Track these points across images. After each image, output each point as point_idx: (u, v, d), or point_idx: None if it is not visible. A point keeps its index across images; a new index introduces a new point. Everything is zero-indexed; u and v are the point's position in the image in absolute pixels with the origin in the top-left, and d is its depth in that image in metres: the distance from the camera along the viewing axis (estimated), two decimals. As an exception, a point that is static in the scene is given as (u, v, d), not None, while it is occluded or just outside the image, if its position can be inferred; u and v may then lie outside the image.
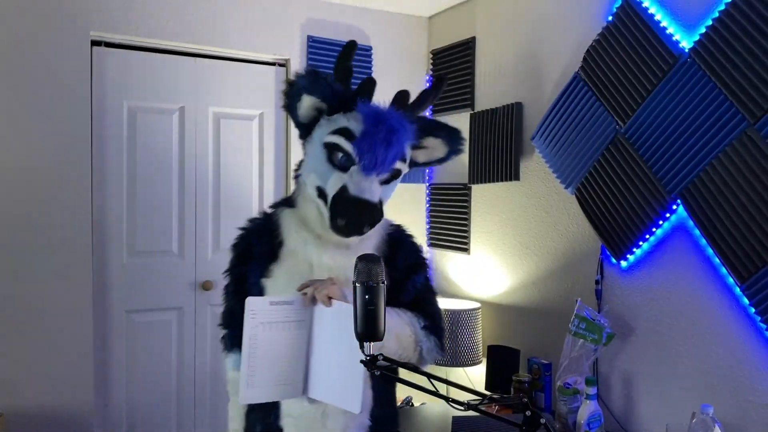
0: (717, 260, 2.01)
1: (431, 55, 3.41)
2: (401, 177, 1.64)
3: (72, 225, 2.65)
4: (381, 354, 1.23)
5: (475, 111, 3.08)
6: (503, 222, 2.92)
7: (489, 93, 3.02)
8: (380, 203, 1.57)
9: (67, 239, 2.64)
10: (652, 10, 2.20)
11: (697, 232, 2.07)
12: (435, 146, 1.68)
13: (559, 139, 2.53)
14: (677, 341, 2.14)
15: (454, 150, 1.68)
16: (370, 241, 1.65)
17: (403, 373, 1.46)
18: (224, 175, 3.04)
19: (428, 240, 3.45)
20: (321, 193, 1.58)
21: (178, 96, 2.93)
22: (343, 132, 1.56)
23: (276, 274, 1.61)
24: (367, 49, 3.28)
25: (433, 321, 1.70)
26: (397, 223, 1.78)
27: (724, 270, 1.99)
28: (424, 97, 1.75)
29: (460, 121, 3.21)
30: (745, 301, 1.93)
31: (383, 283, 1.23)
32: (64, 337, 2.63)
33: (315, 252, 1.60)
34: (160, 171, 2.91)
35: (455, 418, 2.23)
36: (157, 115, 2.90)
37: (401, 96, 1.70)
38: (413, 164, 1.70)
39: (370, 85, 1.66)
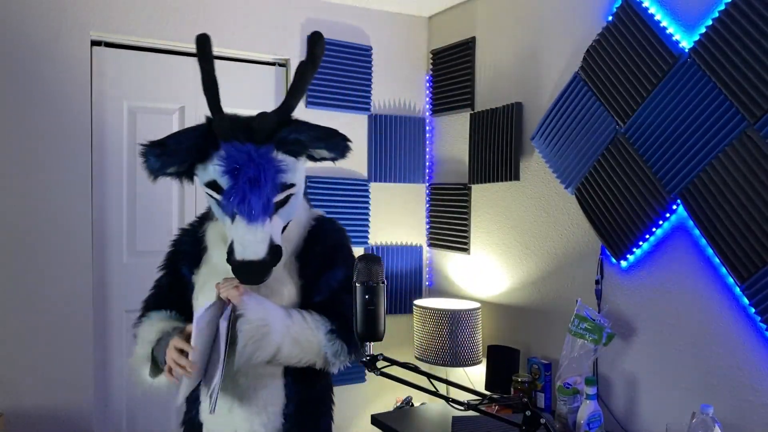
0: (717, 260, 2.01)
1: (431, 55, 3.41)
2: (297, 191, 1.65)
3: (72, 225, 2.65)
4: (381, 354, 1.23)
5: (475, 111, 3.08)
6: (503, 222, 2.92)
7: (489, 93, 3.02)
8: (271, 251, 1.56)
9: (67, 239, 2.64)
10: (652, 10, 2.20)
11: (697, 232, 2.07)
12: (321, 152, 1.66)
13: (559, 139, 2.53)
14: (677, 341, 2.15)
15: (337, 156, 1.65)
16: (288, 244, 1.70)
17: (403, 373, 1.46)
18: (224, 175, 3.04)
19: (428, 240, 3.46)
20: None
21: (178, 96, 2.93)
22: (212, 186, 1.60)
23: (201, 273, 1.75)
24: (367, 49, 3.28)
25: (341, 324, 1.63)
26: (320, 214, 1.82)
27: (724, 270, 1.99)
28: (301, 73, 1.67)
29: (460, 121, 3.22)
30: (745, 301, 1.93)
31: (383, 283, 1.23)
32: (64, 337, 2.63)
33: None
34: (160, 171, 2.90)
35: (455, 418, 2.23)
36: (157, 115, 2.90)
37: (261, 117, 1.62)
38: (314, 160, 1.70)
39: (221, 124, 1.61)
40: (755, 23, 1.87)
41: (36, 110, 2.58)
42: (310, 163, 1.73)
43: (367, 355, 1.22)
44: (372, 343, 1.25)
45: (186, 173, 1.65)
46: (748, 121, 1.90)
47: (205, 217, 1.85)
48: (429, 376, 1.25)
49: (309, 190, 3.06)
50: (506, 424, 1.23)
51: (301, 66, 1.65)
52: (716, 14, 1.98)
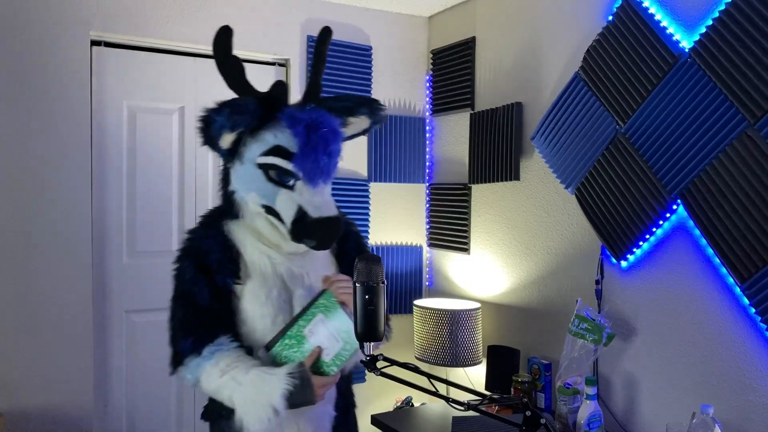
0: (717, 260, 2.01)
1: (431, 55, 3.41)
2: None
3: (72, 225, 2.65)
4: (381, 354, 1.23)
5: (475, 111, 3.08)
6: (503, 222, 2.92)
7: (489, 93, 3.02)
8: (339, 212, 1.60)
9: (67, 239, 2.64)
10: (652, 10, 2.20)
11: (697, 232, 2.07)
12: (358, 121, 1.71)
13: (559, 139, 2.53)
14: (677, 341, 2.14)
15: (377, 120, 1.71)
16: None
17: (403, 373, 1.46)
18: (224, 175, 3.04)
19: (428, 240, 3.45)
20: (270, 210, 1.58)
21: (178, 96, 2.93)
22: (277, 151, 1.55)
23: (246, 280, 1.60)
24: (367, 49, 3.28)
25: None
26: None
27: (724, 270, 1.99)
28: (318, 61, 1.77)
29: (460, 121, 3.21)
30: (745, 301, 1.93)
31: (383, 282, 1.23)
32: (63, 337, 2.63)
33: (280, 262, 1.62)
34: (160, 171, 2.90)
35: (455, 419, 2.23)
36: (157, 115, 2.90)
37: (313, 86, 1.71)
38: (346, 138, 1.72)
39: (282, 89, 1.64)
40: (755, 23, 1.87)
41: (36, 110, 2.58)
42: None
43: (368, 356, 1.22)
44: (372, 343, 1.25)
45: (235, 145, 1.60)
46: (748, 121, 1.90)
47: (217, 217, 1.69)
48: (429, 376, 1.24)
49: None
50: (506, 425, 1.22)
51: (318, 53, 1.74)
52: (716, 14, 1.98)
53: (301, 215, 1.52)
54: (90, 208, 2.70)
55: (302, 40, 3.14)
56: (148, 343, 2.88)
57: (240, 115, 1.51)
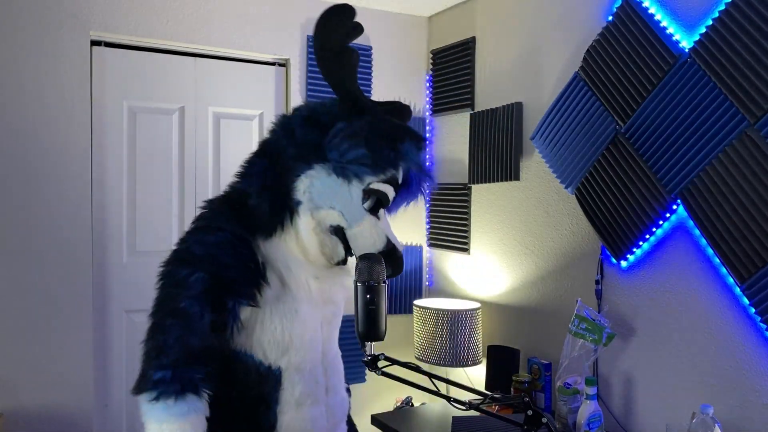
0: (717, 260, 2.01)
1: (431, 55, 3.41)
2: None
3: (72, 225, 2.65)
4: (382, 354, 1.23)
5: (475, 111, 3.08)
6: (503, 222, 2.92)
7: (489, 93, 3.02)
8: None
9: (67, 239, 2.64)
10: (652, 10, 2.20)
11: (697, 232, 2.07)
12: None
13: (559, 139, 2.53)
14: (677, 341, 2.15)
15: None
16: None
17: (404, 372, 1.46)
18: (224, 175, 3.03)
19: (428, 240, 3.45)
20: (337, 231, 1.47)
21: (178, 96, 2.93)
22: (392, 181, 1.49)
23: (269, 302, 1.42)
24: (367, 49, 3.28)
25: None
26: None
27: (724, 270, 1.99)
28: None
29: (460, 121, 3.21)
30: (745, 301, 1.93)
31: (384, 282, 1.23)
32: (64, 337, 2.63)
33: (317, 280, 1.49)
34: (160, 171, 2.90)
35: (455, 418, 2.23)
36: (157, 115, 2.90)
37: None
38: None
39: (408, 114, 1.62)
40: (755, 23, 1.87)
41: (36, 110, 2.58)
42: None
43: (368, 355, 1.22)
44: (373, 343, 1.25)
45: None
46: (748, 121, 1.90)
47: (233, 220, 1.46)
48: (431, 375, 1.24)
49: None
50: (507, 424, 1.23)
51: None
52: (716, 14, 1.98)
53: (389, 250, 1.45)
54: (90, 207, 2.70)
55: (302, 40, 3.14)
56: (148, 343, 2.88)
57: (405, 163, 1.48)
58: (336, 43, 1.51)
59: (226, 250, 1.38)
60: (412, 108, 1.78)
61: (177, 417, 1.27)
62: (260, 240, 1.45)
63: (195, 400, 1.29)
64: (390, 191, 1.48)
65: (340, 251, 1.48)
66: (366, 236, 1.44)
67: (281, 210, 1.46)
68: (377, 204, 1.47)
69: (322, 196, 1.44)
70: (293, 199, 1.45)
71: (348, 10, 1.54)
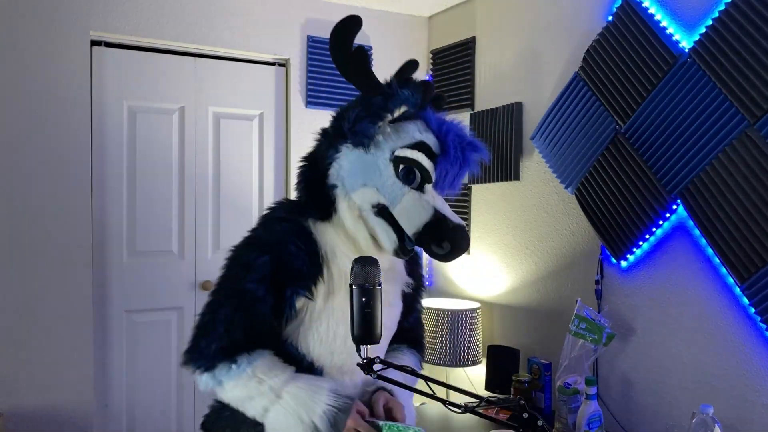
0: (717, 260, 2.00)
1: (431, 55, 3.40)
2: None
3: (72, 225, 2.65)
4: (378, 357, 1.23)
5: (475, 111, 3.08)
6: (503, 222, 2.92)
7: (489, 93, 3.02)
8: None
9: (67, 239, 2.64)
10: (652, 10, 2.19)
11: (697, 232, 2.06)
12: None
13: (559, 139, 2.52)
14: (677, 341, 2.14)
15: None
16: (399, 264, 1.59)
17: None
18: (224, 175, 3.04)
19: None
20: (383, 212, 1.41)
21: (178, 96, 2.93)
22: (422, 148, 1.42)
23: (325, 295, 1.43)
24: (367, 49, 3.27)
25: (422, 347, 1.74)
26: None
27: (724, 270, 1.99)
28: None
29: (460, 121, 3.20)
30: (745, 301, 1.92)
31: (380, 285, 1.23)
32: (64, 337, 2.64)
33: None
34: (160, 171, 2.91)
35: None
36: (157, 115, 2.90)
37: (438, 98, 1.58)
38: None
39: (429, 89, 1.51)
40: (755, 23, 1.86)
41: (36, 110, 2.58)
42: None
43: (364, 358, 1.22)
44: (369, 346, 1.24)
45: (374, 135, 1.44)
46: (748, 121, 1.89)
47: (297, 213, 1.48)
48: (426, 378, 1.24)
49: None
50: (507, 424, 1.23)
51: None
52: (716, 14, 1.97)
53: (437, 219, 1.37)
54: (90, 207, 2.71)
55: (302, 40, 3.13)
56: (148, 343, 2.89)
57: (396, 98, 1.41)
58: (350, 49, 1.55)
59: (292, 239, 1.40)
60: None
61: (234, 374, 1.35)
62: (319, 235, 1.45)
63: (247, 360, 1.36)
64: (421, 158, 1.41)
65: (392, 236, 1.41)
66: (409, 209, 1.38)
67: (325, 200, 1.46)
68: (412, 174, 1.41)
69: (352, 174, 1.43)
70: (329, 185, 1.45)
71: (358, 21, 1.61)
